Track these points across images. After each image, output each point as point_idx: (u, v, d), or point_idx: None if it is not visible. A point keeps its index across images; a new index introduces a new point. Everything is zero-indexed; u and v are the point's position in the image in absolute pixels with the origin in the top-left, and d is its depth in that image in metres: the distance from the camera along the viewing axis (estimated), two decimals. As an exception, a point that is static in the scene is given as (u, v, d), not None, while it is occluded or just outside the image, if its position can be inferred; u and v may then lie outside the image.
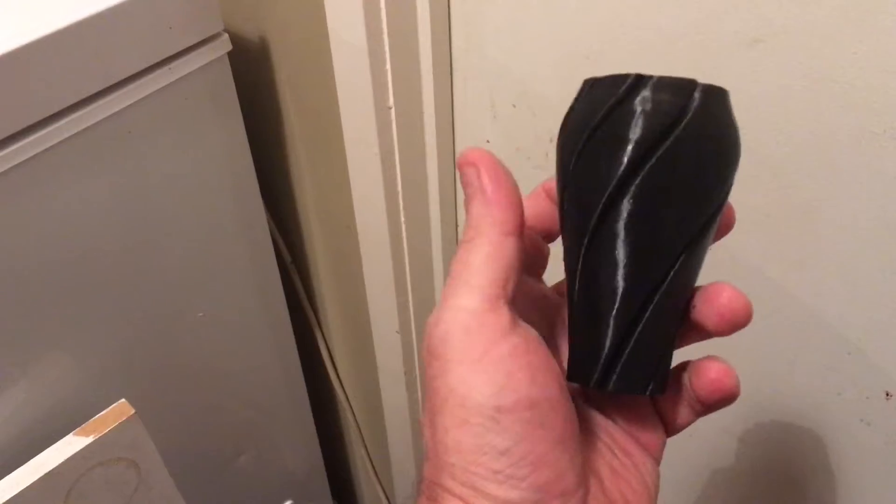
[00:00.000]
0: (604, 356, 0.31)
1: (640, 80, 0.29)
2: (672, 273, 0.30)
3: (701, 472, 0.63)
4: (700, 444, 0.61)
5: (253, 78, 0.82)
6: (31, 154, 0.60)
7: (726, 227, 0.34)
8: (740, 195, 0.47)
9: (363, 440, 1.16)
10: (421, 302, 0.81)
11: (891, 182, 0.40)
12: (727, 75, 0.44)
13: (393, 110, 0.65)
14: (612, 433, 0.34)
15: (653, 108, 0.29)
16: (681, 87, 0.29)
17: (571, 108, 0.31)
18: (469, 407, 0.27)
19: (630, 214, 0.29)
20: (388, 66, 0.62)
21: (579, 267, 0.31)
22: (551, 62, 0.54)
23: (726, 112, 0.31)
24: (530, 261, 0.34)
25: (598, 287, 0.30)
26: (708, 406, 0.33)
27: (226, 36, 0.70)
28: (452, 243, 0.76)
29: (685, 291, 0.31)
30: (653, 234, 0.29)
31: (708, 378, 0.32)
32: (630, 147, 0.29)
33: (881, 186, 0.41)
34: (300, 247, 0.98)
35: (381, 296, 0.82)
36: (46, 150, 0.61)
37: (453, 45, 0.62)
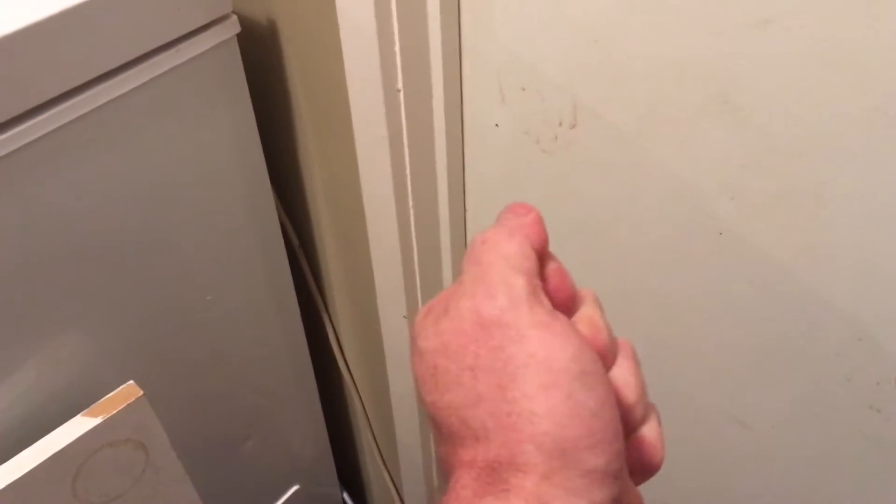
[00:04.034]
0: None
1: None
2: None
3: (708, 457, 0.63)
4: (706, 430, 0.61)
5: (262, 60, 0.82)
6: (39, 135, 0.60)
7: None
8: (750, 178, 0.47)
9: (370, 425, 1.16)
10: (429, 286, 0.81)
11: (904, 165, 0.40)
12: (736, 57, 0.43)
13: (402, 93, 0.64)
14: None
15: None
16: None
17: None
18: (556, 370, 0.27)
19: None
20: (398, 49, 0.62)
21: None
22: (560, 45, 0.54)
23: None
24: None
25: None
26: None
27: (234, 17, 0.69)
28: (460, 227, 0.76)
29: None
30: None
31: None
32: None
33: (894, 170, 0.40)
34: (308, 230, 0.98)
35: (389, 280, 0.82)
36: (53, 131, 0.60)
37: (462, 27, 0.61)
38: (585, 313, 0.31)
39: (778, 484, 0.59)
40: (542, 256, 0.31)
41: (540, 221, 0.32)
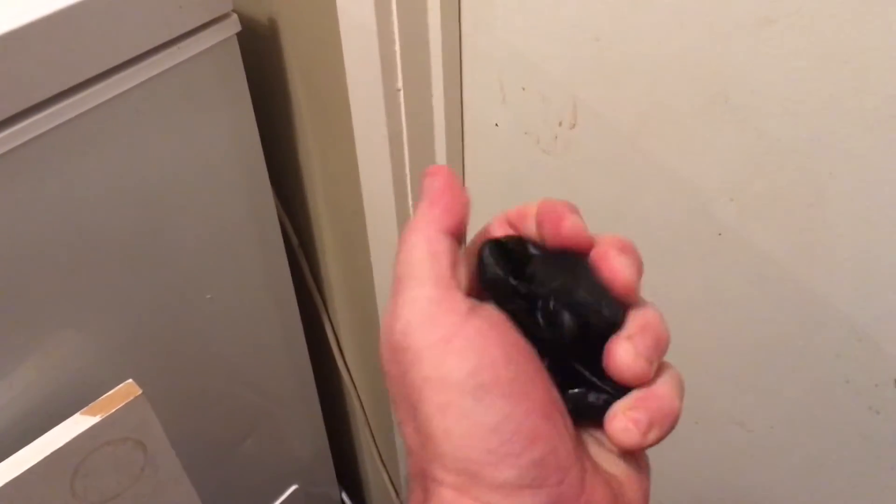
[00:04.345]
0: None
1: None
2: None
3: (707, 458, 0.63)
4: (705, 431, 0.61)
5: (262, 59, 0.82)
6: (38, 133, 0.60)
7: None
8: (750, 179, 0.47)
9: (369, 426, 1.16)
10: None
11: (904, 166, 0.40)
12: (737, 57, 0.43)
13: (402, 93, 0.64)
14: None
15: None
16: None
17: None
18: (449, 389, 0.27)
19: None
20: (398, 48, 0.62)
21: None
22: (561, 45, 0.54)
23: None
24: None
25: None
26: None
27: (235, 16, 0.69)
28: (460, 228, 0.76)
29: None
30: None
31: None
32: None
33: (894, 170, 0.40)
34: (308, 230, 0.98)
35: (389, 280, 0.82)
36: (52, 129, 0.60)
37: (463, 27, 0.61)
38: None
39: (777, 485, 0.59)
40: (463, 222, 0.31)
41: (449, 189, 0.31)
